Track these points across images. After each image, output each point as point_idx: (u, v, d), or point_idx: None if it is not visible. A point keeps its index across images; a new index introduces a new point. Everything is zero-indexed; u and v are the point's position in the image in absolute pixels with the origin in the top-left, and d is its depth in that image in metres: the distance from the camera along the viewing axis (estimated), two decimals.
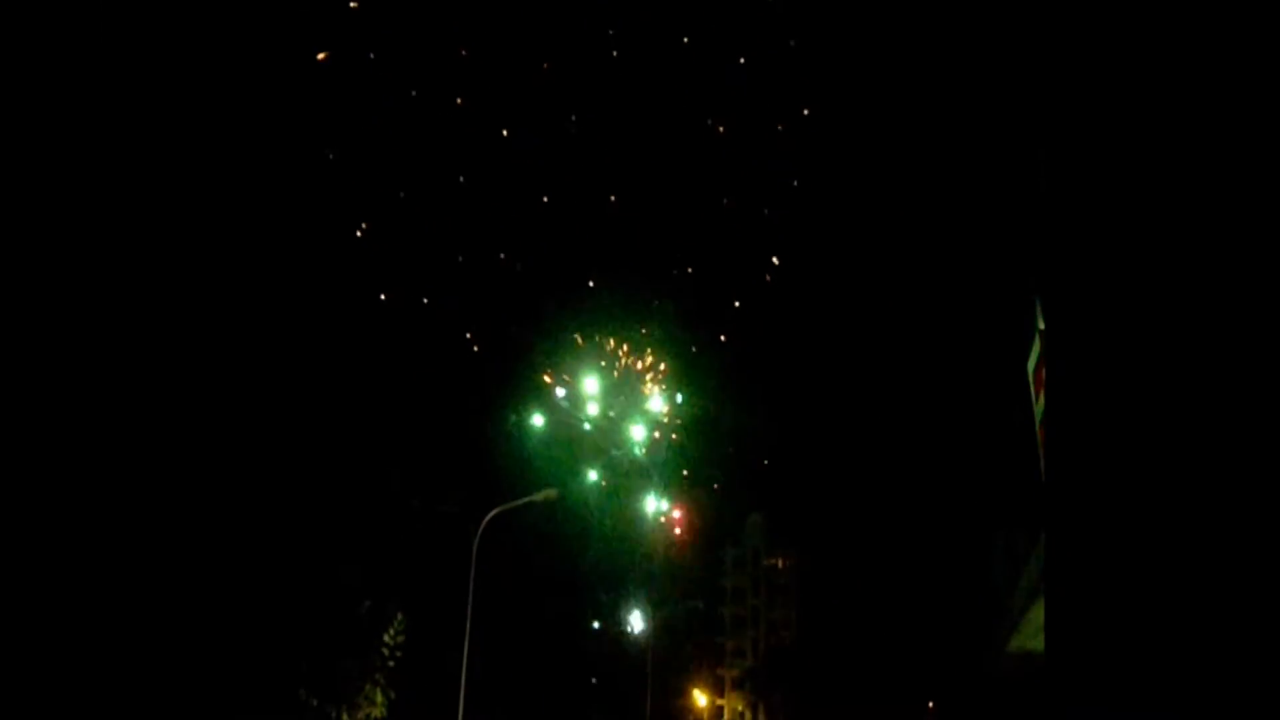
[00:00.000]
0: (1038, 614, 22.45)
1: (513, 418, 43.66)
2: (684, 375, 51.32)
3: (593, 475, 47.80)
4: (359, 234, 33.83)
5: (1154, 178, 4.36)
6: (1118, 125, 4.43)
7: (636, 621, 60.46)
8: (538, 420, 44.70)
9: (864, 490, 67.65)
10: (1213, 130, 4.29)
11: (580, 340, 45.62)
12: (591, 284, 44.61)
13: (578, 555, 48.71)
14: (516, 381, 44.75)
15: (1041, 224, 4.79)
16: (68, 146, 25.00)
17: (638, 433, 48.66)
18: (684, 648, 76.20)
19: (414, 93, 33.73)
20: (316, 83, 30.96)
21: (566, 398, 45.80)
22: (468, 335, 39.85)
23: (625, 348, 47.95)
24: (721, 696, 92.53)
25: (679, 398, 49.76)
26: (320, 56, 29.55)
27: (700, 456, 56.29)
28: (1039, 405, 13.94)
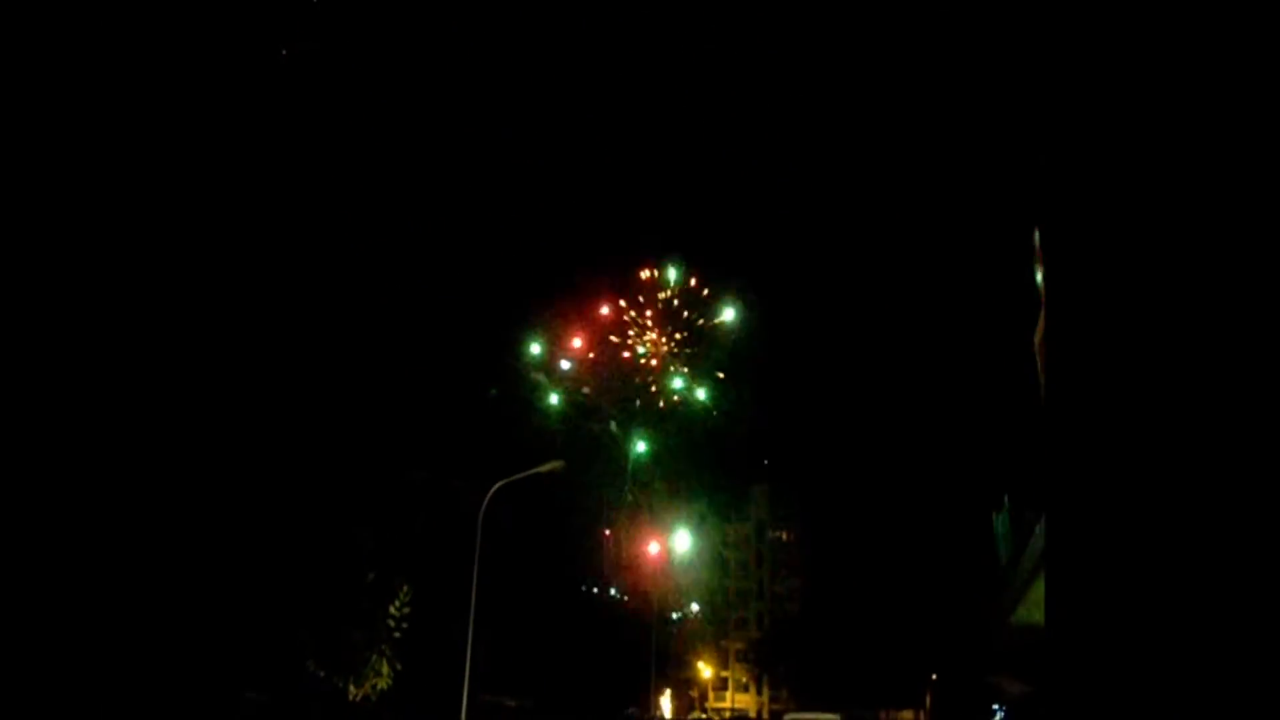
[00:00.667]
0: (1041, 587, 22.50)
1: (494, 391, 43.77)
2: (683, 350, 51.51)
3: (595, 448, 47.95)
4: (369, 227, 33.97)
5: (1154, 159, 4.34)
6: (1116, 106, 4.41)
7: (641, 594, 60.78)
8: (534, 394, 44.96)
9: (868, 462, 67.67)
10: (1211, 117, 4.27)
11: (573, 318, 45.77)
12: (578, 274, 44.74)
13: (581, 528, 48.95)
14: (510, 361, 44.98)
15: (1044, 206, 4.77)
16: (57, 142, 24.98)
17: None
18: (689, 620, 76.66)
19: (397, 86, 33.81)
20: (303, 79, 31.02)
21: (568, 372, 45.91)
22: (462, 322, 40.06)
23: (620, 322, 48.05)
24: (726, 668, 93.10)
25: (679, 381, 49.91)
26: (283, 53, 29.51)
27: (701, 430, 56.47)
28: (1044, 378, 13.91)
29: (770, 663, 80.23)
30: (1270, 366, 3.82)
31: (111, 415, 26.12)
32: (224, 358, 29.42)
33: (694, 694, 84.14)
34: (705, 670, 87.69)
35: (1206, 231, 4.13)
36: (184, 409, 28.04)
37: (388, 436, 34.62)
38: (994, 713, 43.46)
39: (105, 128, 25.88)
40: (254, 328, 30.44)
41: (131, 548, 25.96)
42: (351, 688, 29.30)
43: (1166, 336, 4.06)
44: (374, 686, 29.62)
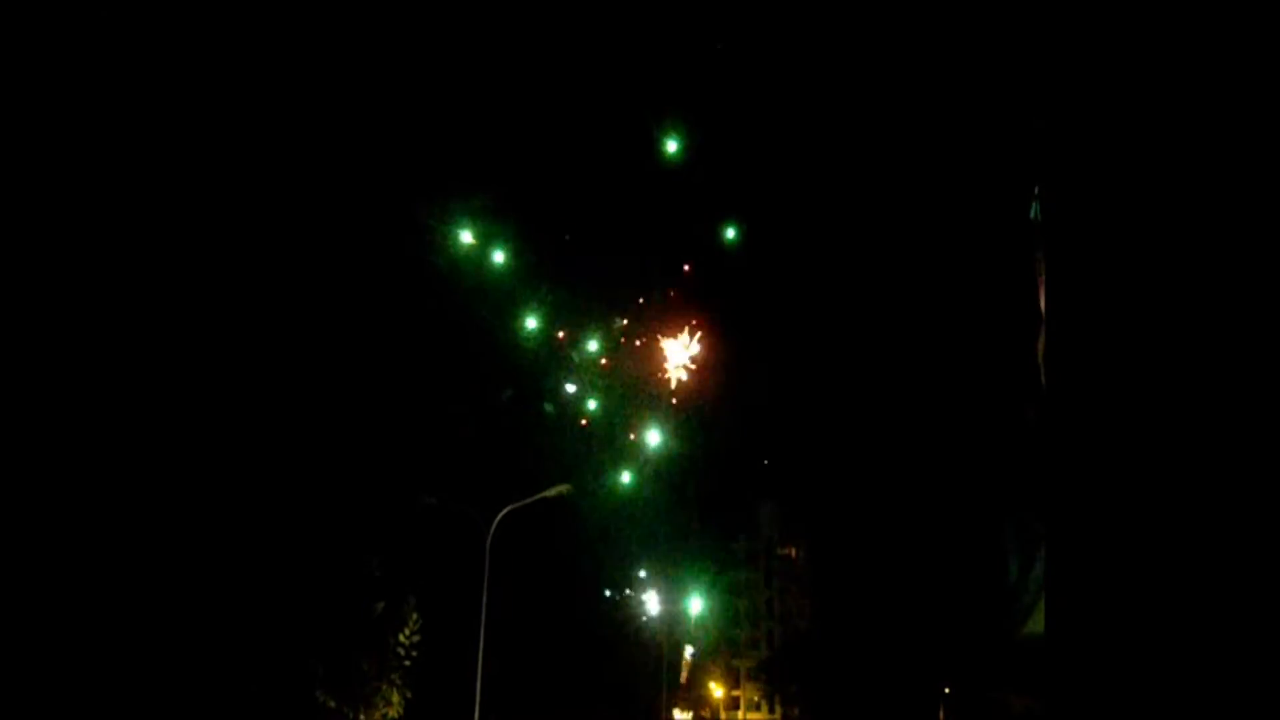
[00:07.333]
0: None
1: (510, 391, 43.32)
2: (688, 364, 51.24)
3: (600, 469, 47.71)
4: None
5: (1156, 170, 4.35)
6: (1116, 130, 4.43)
7: (650, 613, 60.65)
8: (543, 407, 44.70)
9: (876, 478, 67.47)
10: (1213, 126, 4.28)
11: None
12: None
13: (590, 550, 48.78)
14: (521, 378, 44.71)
15: (1047, 223, 4.80)
16: (60, 141, 25.06)
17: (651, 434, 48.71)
18: (700, 640, 76.36)
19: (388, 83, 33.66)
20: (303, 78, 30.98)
21: (575, 393, 45.75)
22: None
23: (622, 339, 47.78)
24: (737, 688, 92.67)
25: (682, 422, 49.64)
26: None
27: (707, 447, 56.28)
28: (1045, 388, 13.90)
29: (781, 681, 79.83)
30: (1267, 379, 3.83)
31: (117, 438, 26.13)
32: (232, 381, 29.40)
33: (706, 714, 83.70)
34: (717, 690, 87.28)
35: (1211, 246, 4.14)
36: (192, 432, 28.02)
37: (395, 462, 34.54)
38: None
39: (98, 126, 25.91)
40: (262, 353, 30.44)
41: (138, 576, 25.93)
42: (362, 718, 29.17)
43: (1167, 346, 4.07)
44: (384, 716, 29.48)
